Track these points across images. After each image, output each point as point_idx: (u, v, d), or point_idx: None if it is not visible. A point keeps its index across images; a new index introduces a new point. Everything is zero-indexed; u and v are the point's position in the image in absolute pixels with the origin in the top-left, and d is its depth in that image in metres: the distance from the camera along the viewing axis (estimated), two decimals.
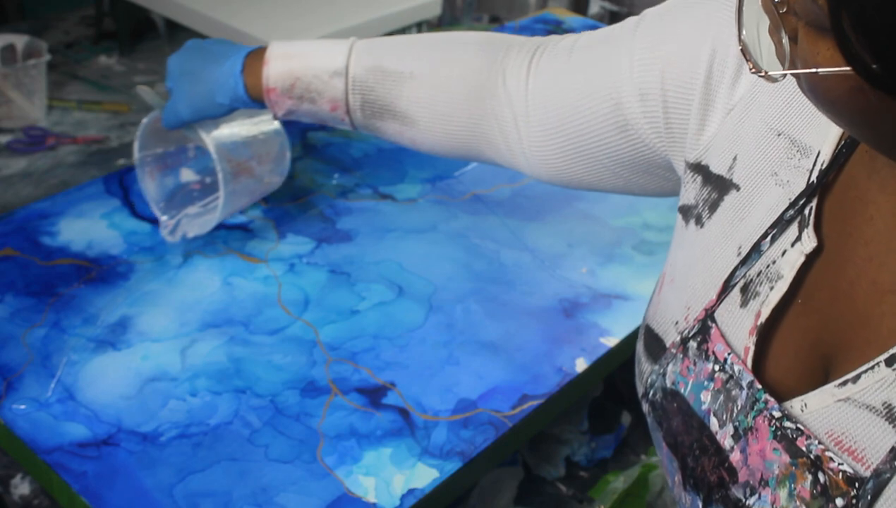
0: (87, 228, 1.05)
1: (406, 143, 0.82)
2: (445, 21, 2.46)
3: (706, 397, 0.51)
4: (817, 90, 0.39)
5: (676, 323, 0.55)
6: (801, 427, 0.45)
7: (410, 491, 0.78)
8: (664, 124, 0.60)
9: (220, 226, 1.06)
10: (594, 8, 2.32)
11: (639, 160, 0.64)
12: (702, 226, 0.56)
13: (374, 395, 0.86)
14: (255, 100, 0.85)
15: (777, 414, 0.46)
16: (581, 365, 0.91)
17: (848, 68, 0.35)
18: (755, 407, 0.47)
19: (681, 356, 0.53)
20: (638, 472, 1.03)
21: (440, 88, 0.76)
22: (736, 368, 0.49)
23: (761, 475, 0.46)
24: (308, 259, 1.03)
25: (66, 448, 0.79)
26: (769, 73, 0.41)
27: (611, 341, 0.95)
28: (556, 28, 1.61)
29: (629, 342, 0.97)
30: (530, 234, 1.09)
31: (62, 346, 0.89)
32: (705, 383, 0.51)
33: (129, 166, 1.17)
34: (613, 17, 1.85)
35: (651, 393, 0.56)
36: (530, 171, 0.75)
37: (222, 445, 0.80)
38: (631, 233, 1.11)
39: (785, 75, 0.40)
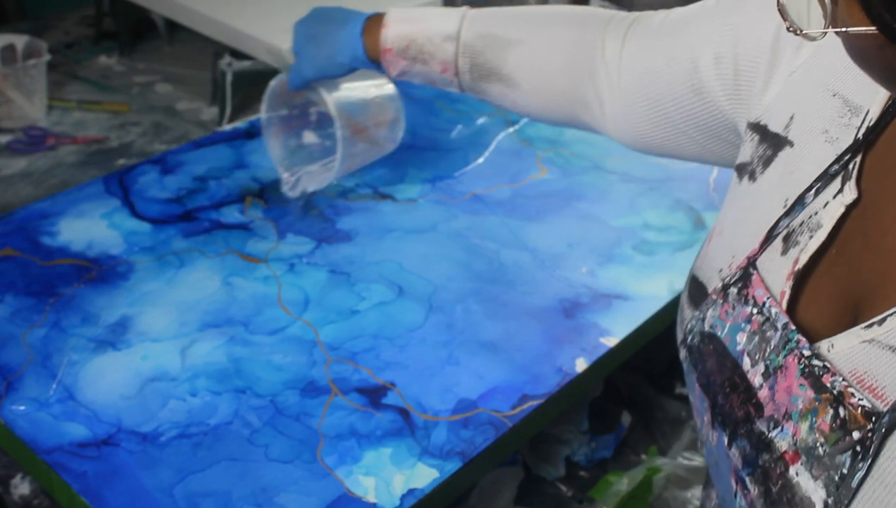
0: (87, 228, 1.05)
1: (508, 105, 0.87)
2: None
3: (742, 338, 0.53)
4: (854, 49, 0.44)
5: (720, 270, 0.58)
6: (828, 366, 0.47)
7: (410, 491, 0.78)
8: (734, 87, 0.64)
9: (220, 226, 1.06)
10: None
11: (712, 124, 0.68)
12: (754, 180, 0.59)
13: (374, 395, 0.86)
14: (373, 61, 0.91)
15: (807, 353, 0.49)
16: (581, 365, 0.91)
17: (873, 28, 0.40)
18: (787, 347, 0.50)
19: (721, 301, 0.56)
20: (642, 475, 1.03)
21: (543, 54, 0.82)
22: (773, 311, 0.52)
23: (786, 409, 0.49)
24: (308, 259, 1.03)
25: (66, 448, 0.79)
26: (806, 33, 0.45)
27: (611, 341, 0.95)
28: None
29: (629, 342, 0.97)
30: (530, 234, 1.09)
31: (62, 346, 0.89)
32: (742, 325, 0.54)
33: (130, 166, 1.17)
34: None
35: (689, 338, 0.58)
36: (618, 136, 0.80)
37: (222, 445, 0.80)
38: (631, 233, 1.11)
39: (825, 34, 0.44)
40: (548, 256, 1.06)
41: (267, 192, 1.13)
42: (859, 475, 0.44)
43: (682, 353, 0.60)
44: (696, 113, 0.69)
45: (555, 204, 1.15)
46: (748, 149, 0.61)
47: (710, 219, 1.14)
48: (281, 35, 1.79)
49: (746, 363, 0.53)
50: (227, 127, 1.28)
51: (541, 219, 1.12)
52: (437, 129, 1.29)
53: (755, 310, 0.53)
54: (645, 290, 1.02)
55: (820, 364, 0.48)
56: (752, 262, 0.55)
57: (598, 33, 0.79)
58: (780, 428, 0.49)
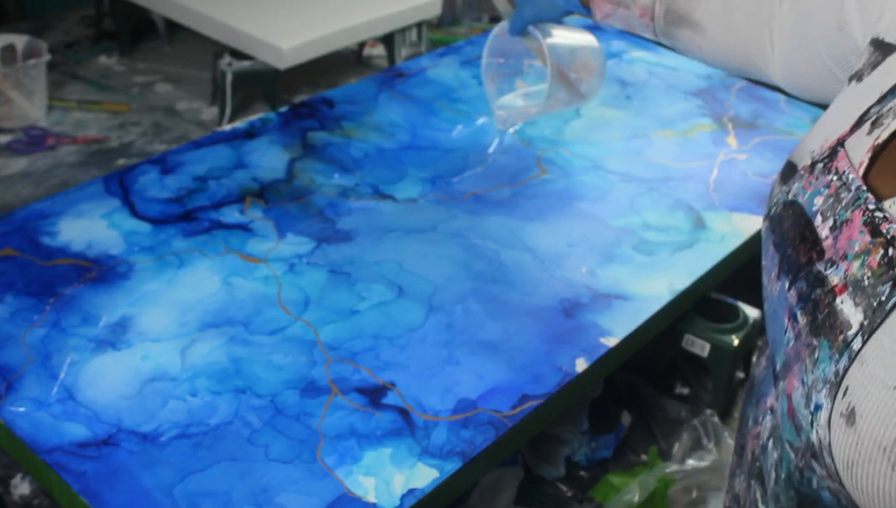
0: (87, 228, 1.05)
1: (694, 51, 0.93)
2: (445, 21, 2.46)
3: (818, 200, 0.59)
4: None
5: (812, 151, 0.63)
6: (888, 217, 0.53)
7: (410, 491, 0.78)
8: (870, 15, 0.68)
9: (220, 226, 1.06)
10: None
11: (850, 58, 0.72)
12: (860, 81, 0.64)
13: (374, 395, 0.86)
14: (583, 5, 0.99)
15: (872, 206, 0.54)
16: (581, 365, 0.91)
17: None
18: (856, 203, 0.55)
19: (807, 175, 0.62)
20: (653, 486, 1.03)
21: (731, 2, 0.88)
22: (850, 176, 0.57)
23: (844, 252, 0.54)
24: (308, 259, 1.03)
25: (66, 448, 0.79)
26: None
27: (611, 341, 0.95)
28: None
29: (629, 342, 0.97)
30: (530, 234, 1.09)
31: (62, 346, 0.89)
32: (821, 190, 0.59)
33: (130, 166, 1.17)
34: None
35: (773, 210, 0.64)
36: (782, 80, 0.84)
37: (222, 445, 0.80)
38: (631, 233, 1.11)
39: None
40: (548, 256, 1.06)
41: (267, 192, 1.13)
42: (894, 300, 0.50)
43: (765, 225, 0.65)
44: (838, 49, 0.73)
45: (555, 204, 1.15)
46: (863, 59, 0.65)
47: (711, 219, 1.14)
48: (281, 35, 1.80)
49: (818, 219, 0.58)
50: (227, 127, 1.28)
51: (541, 219, 1.12)
52: (437, 129, 1.29)
53: (835, 177, 0.58)
54: (645, 290, 1.02)
55: (881, 215, 0.53)
56: (840, 142, 0.60)
57: None
58: (835, 267, 0.55)
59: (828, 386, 0.51)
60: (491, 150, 1.25)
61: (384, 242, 1.06)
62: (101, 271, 0.99)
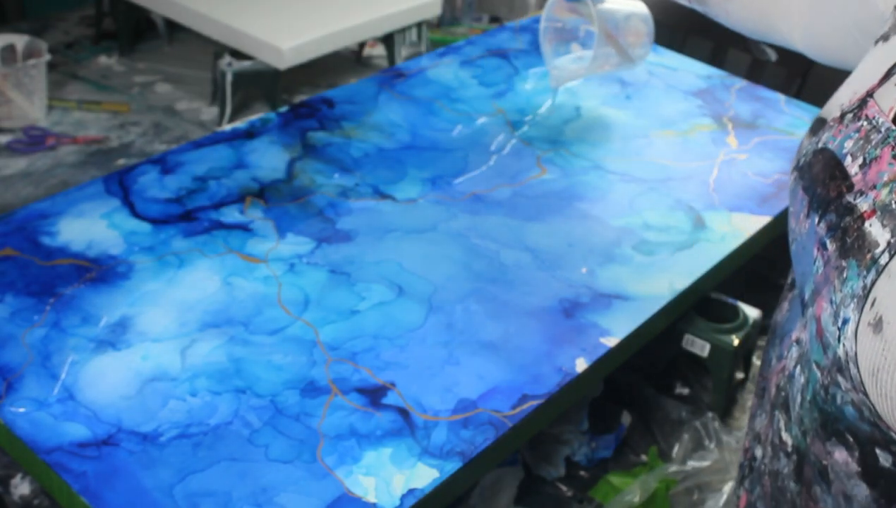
0: (87, 228, 1.05)
1: (722, 15, 0.94)
2: (446, 21, 2.46)
3: (849, 144, 0.61)
4: None
5: (842, 104, 0.65)
6: None
7: (410, 491, 0.78)
8: None
9: (220, 226, 1.06)
10: None
11: (872, 26, 0.74)
12: (886, 41, 0.65)
13: (374, 395, 0.86)
14: None
15: None
16: (581, 365, 0.91)
17: None
18: (885, 142, 0.57)
19: (836, 125, 0.63)
20: (654, 487, 1.03)
21: None
22: (880, 120, 0.59)
23: (873, 183, 0.57)
24: (308, 259, 1.03)
25: (66, 448, 0.79)
26: None
27: (611, 341, 0.95)
28: None
29: (629, 342, 0.97)
30: (530, 234, 1.09)
31: (62, 346, 0.89)
32: (851, 134, 0.61)
33: (130, 166, 1.17)
34: None
35: (801, 160, 0.66)
36: (802, 46, 0.86)
37: (222, 445, 0.80)
38: (631, 233, 1.11)
39: None
40: (548, 256, 1.06)
41: (267, 192, 1.13)
42: None
43: (793, 176, 0.66)
44: (861, 17, 0.75)
45: (555, 204, 1.15)
46: (888, 24, 0.67)
47: (711, 219, 1.14)
48: (281, 35, 1.80)
49: (848, 160, 0.60)
50: (227, 127, 1.28)
51: (541, 219, 1.12)
52: (437, 129, 1.29)
53: (865, 123, 0.60)
54: (645, 290, 1.02)
55: None
56: (869, 94, 0.62)
57: None
58: (864, 196, 0.57)
59: (855, 300, 0.53)
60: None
61: (384, 242, 1.06)
62: (101, 271, 0.99)
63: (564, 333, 0.95)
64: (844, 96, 0.67)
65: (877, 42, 0.68)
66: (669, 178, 1.22)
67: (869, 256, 0.54)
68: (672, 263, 1.06)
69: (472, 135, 1.28)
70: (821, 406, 0.59)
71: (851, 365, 0.53)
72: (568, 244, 1.08)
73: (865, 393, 0.53)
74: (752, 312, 1.15)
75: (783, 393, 0.66)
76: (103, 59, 2.00)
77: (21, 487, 0.94)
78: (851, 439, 0.56)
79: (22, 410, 0.82)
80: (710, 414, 1.13)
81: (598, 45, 1.20)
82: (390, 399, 0.86)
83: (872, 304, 0.52)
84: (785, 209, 1.19)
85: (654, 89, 1.44)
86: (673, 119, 1.36)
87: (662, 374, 1.20)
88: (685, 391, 1.19)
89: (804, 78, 1.60)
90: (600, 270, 1.04)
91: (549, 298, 1.00)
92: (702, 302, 1.13)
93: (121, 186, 1.12)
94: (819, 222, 0.61)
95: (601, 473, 1.07)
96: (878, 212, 0.55)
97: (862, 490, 0.56)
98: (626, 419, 1.12)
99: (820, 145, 0.64)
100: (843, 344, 0.54)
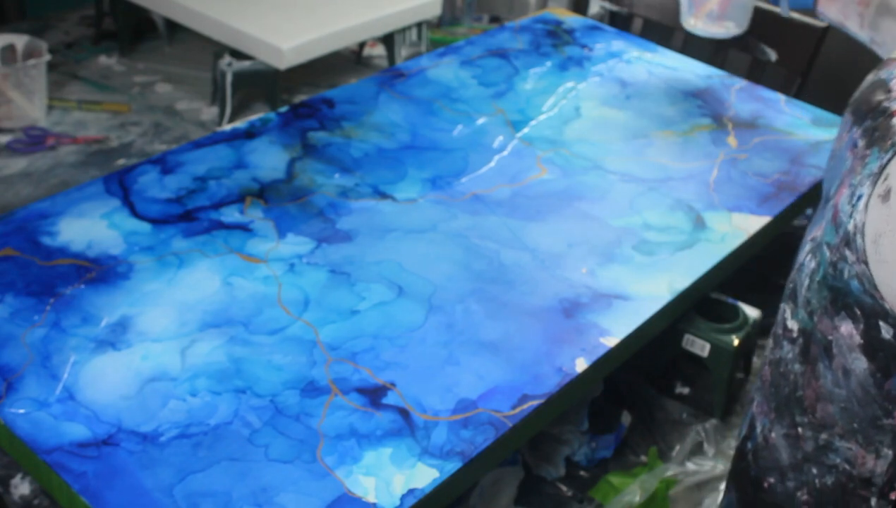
0: (87, 228, 1.05)
1: (889, 42, 0.94)
2: (446, 21, 2.46)
3: None
4: None
5: None
6: None
7: (410, 491, 0.78)
8: None
9: (220, 226, 1.06)
10: (594, 8, 2.32)
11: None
12: None
13: (374, 395, 0.86)
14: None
15: None
16: (581, 365, 0.91)
17: None
18: None
19: (892, 61, 0.69)
20: (654, 487, 1.03)
21: None
22: None
23: None
24: (308, 259, 1.03)
25: (66, 448, 0.79)
26: None
27: (611, 341, 0.95)
28: (557, 28, 1.61)
29: (629, 342, 0.97)
30: (530, 234, 1.09)
31: (62, 346, 0.89)
32: None
33: (130, 166, 1.17)
34: (613, 18, 1.85)
35: (856, 95, 0.71)
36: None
37: (222, 445, 0.80)
38: (631, 233, 1.11)
39: None
40: (548, 256, 1.06)
41: (267, 192, 1.13)
42: None
43: (846, 112, 0.71)
44: None
45: (555, 204, 1.15)
46: None
47: (711, 219, 1.14)
48: (281, 35, 1.80)
49: (893, 84, 0.65)
50: (227, 127, 1.28)
51: (541, 219, 1.12)
52: (437, 129, 1.29)
53: None
54: (645, 290, 1.02)
55: None
56: None
57: None
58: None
59: (871, 177, 0.59)
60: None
61: (384, 242, 1.06)
62: (101, 271, 0.99)
63: (564, 333, 0.95)
64: None
65: None
66: (669, 178, 1.22)
67: (889, 142, 0.59)
68: (672, 263, 1.06)
69: (472, 135, 1.28)
70: (830, 283, 0.63)
71: (858, 236, 0.58)
72: (568, 244, 1.08)
73: (866, 262, 0.57)
74: (752, 312, 1.15)
75: (791, 285, 0.70)
76: (103, 59, 2.00)
77: (21, 487, 0.94)
78: (858, 311, 0.60)
79: (22, 411, 0.82)
80: (713, 421, 1.14)
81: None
82: (390, 399, 0.86)
83: (885, 179, 0.57)
84: (785, 209, 1.19)
85: (654, 89, 1.44)
86: (673, 119, 1.36)
87: (662, 374, 1.20)
88: (685, 391, 1.19)
89: (804, 78, 1.60)
90: (600, 270, 1.04)
91: (549, 298, 1.00)
92: (702, 302, 1.13)
93: (121, 186, 1.12)
94: (856, 129, 0.66)
95: (601, 473, 1.07)
96: None
97: (861, 364, 0.61)
98: (626, 419, 1.12)
99: (876, 77, 0.69)
100: (854, 218, 0.59)
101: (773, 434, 0.70)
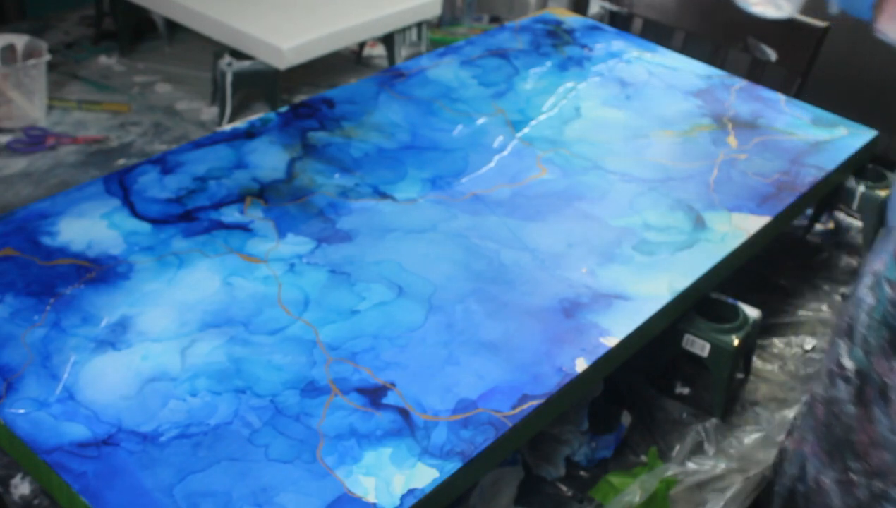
0: (87, 228, 1.05)
1: None
2: (446, 21, 2.46)
3: None
4: None
5: None
6: None
7: (410, 491, 0.78)
8: None
9: (220, 226, 1.06)
10: (594, 8, 2.32)
11: None
12: None
13: (374, 395, 0.86)
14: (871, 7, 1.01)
15: None
16: (581, 365, 0.91)
17: None
18: None
19: None
20: (655, 487, 1.03)
21: None
22: None
23: None
24: (308, 259, 1.03)
25: (66, 448, 0.79)
26: None
27: (611, 341, 0.95)
28: (556, 28, 1.61)
29: (629, 342, 0.97)
30: (530, 234, 1.09)
31: (62, 346, 0.89)
32: None
33: (130, 166, 1.17)
34: (613, 18, 1.85)
35: None
36: None
37: (222, 445, 0.80)
38: (631, 233, 1.11)
39: None
40: (548, 256, 1.06)
41: (267, 192, 1.13)
42: None
43: None
44: None
45: (555, 204, 1.15)
46: None
47: (711, 219, 1.14)
48: (281, 35, 1.79)
49: None
50: (227, 127, 1.28)
51: (541, 219, 1.12)
52: (437, 129, 1.29)
53: None
54: (645, 290, 1.02)
55: None
56: None
57: None
58: None
59: None
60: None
61: (384, 242, 1.06)
62: (101, 271, 0.99)
63: (564, 333, 0.95)
64: None
65: None
66: (669, 178, 1.22)
67: None
68: (672, 263, 1.06)
69: (472, 135, 1.28)
70: (890, 322, 0.59)
71: None
72: (568, 244, 1.08)
73: None
74: (752, 312, 1.15)
75: (847, 320, 0.66)
76: (103, 59, 2.00)
77: (21, 487, 0.94)
78: None
79: (21, 412, 0.82)
80: (713, 420, 1.14)
81: None
82: (390, 399, 0.86)
83: None
84: (785, 209, 1.19)
85: (654, 89, 1.44)
86: (673, 119, 1.36)
87: (662, 374, 1.20)
88: (685, 391, 1.19)
89: (804, 78, 1.60)
90: (600, 270, 1.04)
91: (549, 298, 1.00)
92: (702, 302, 1.13)
93: (121, 186, 1.12)
94: None
95: (601, 473, 1.07)
96: None
97: None
98: (626, 419, 1.12)
99: None
100: None
101: (825, 479, 0.66)
